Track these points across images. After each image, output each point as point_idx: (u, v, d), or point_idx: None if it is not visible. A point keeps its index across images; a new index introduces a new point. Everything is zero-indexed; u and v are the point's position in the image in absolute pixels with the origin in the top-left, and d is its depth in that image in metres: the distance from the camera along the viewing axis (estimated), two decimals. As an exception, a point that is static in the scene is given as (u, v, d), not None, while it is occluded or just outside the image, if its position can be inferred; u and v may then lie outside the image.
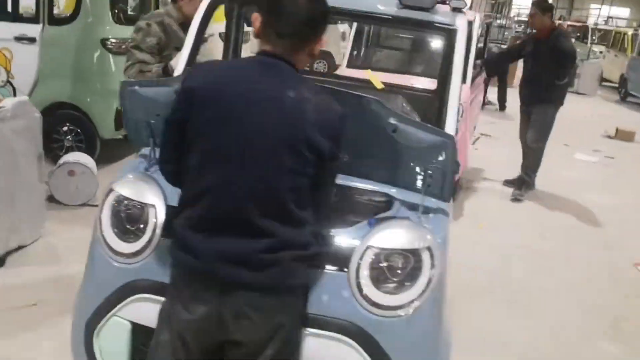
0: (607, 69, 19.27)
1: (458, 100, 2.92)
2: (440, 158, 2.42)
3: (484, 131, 10.00)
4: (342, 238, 2.37)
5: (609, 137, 11.27)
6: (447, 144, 2.37)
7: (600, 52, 20.46)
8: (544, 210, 6.68)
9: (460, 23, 3.10)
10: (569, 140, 10.43)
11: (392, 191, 2.61)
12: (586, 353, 3.95)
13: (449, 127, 2.85)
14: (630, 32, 18.95)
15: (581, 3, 37.98)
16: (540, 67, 6.64)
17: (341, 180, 2.63)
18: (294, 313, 2.03)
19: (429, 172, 2.48)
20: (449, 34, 3.08)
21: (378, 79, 3.49)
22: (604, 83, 19.35)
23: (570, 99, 15.92)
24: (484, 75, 7.96)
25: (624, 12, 36.20)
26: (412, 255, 2.29)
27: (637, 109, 15.71)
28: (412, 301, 2.25)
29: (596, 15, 38.94)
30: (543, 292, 4.70)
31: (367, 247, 2.27)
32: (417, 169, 2.50)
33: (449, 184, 2.52)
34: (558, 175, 8.14)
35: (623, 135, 11.15)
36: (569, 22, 26.29)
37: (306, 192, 1.92)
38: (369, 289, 2.25)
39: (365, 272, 2.25)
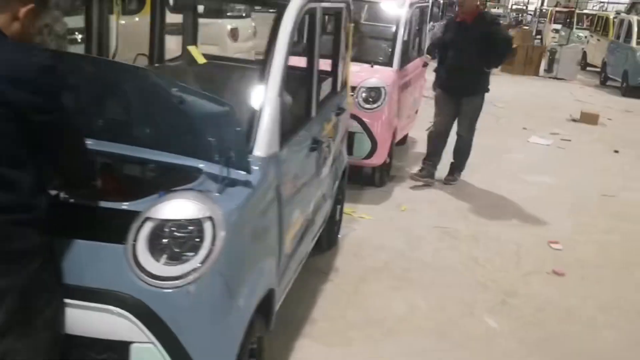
0: (591, 54, 19.15)
1: (281, 74, 2.91)
2: (229, 128, 2.43)
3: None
4: (126, 210, 2.36)
5: (574, 120, 11.18)
6: (229, 113, 2.38)
7: (585, 37, 20.35)
8: (474, 192, 6.62)
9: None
10: (530, 124, 10.38)
11: (198, 164, 2.60)
12: (464, 327, 3.90)
13: (269, 102, 2.85)
14: (611, 15, 18.81)
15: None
16: (468, 54, 6.18)
17: (145, 153, 2.64)
18: (23, 278, 1.97)
19: (226, 143, 2.48)
20: (280, 9, 3.10)
21: (200, 53, 3.51)
22: (588, 68, 19.24)
23: (547, 84, 16.14)
24: (423, 60, 7.86)
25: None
26: (193, 226, 2.28)
27: (615, 92, 15.55)
28: (191, 272, 2.24)
29: (596, 1, 38.76)
30: (440, 269, 4.67)
31: (146, 219, 2.26)
32: (214, 141, 2.49)
33: (244, 154, 2.53)
34: (503, 158, 8.11)
35: (587, 119, 11.06)
36: (557, 9, 26.12)
37: (13, 150, 1.90)
38: (146, 260, 2.22)
39: (142, 244, 2.23)
